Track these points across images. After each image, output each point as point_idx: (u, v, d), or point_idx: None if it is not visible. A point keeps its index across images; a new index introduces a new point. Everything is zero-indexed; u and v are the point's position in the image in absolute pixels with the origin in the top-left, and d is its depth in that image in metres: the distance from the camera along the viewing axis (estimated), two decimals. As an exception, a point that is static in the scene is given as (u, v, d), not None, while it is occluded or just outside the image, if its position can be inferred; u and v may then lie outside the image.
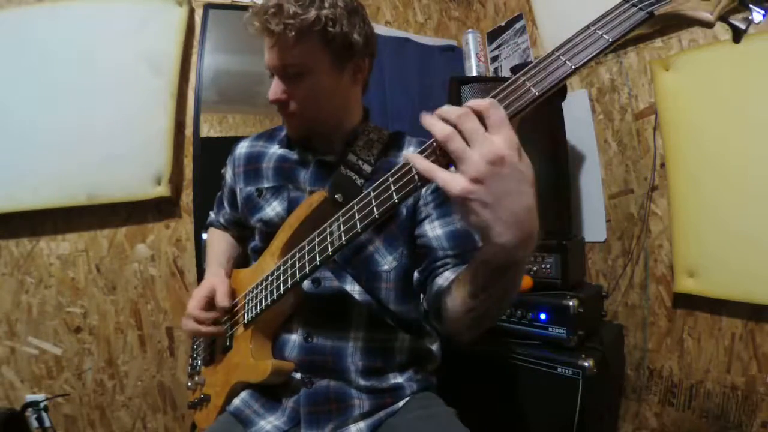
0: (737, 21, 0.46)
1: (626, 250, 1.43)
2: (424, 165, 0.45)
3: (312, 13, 0.67)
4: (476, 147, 0.41)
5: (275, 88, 0.74)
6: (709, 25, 0.45)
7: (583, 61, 0.44)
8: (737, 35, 0.48)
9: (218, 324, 0.80)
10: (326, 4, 0.69)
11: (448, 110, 0.43)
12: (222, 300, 0.78)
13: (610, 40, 0.44)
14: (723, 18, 0.46)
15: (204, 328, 0.78)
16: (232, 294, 0.82)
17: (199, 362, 0.89)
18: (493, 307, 0.57)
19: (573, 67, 0.44)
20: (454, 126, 0.42)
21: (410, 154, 0.47)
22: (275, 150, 0.87)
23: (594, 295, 1.30)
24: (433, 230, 0.75)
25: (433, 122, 0.44)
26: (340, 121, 0.82)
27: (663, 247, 1.34)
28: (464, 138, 0.42)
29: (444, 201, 0.78)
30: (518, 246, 0.43)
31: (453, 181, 0.42)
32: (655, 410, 1.35)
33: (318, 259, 0.62)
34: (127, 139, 1.41)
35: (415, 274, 0.79)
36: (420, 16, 1.90)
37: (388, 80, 1.71)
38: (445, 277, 0.70)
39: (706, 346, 1.24)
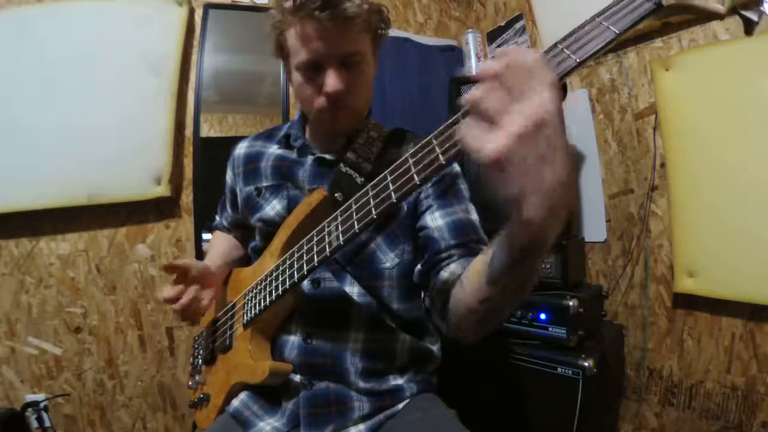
0: (749, 12, 0.45)
1: (626, 250, 1.43)
2: (461, 130, 0.38)
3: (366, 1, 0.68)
4: (521, 102, 0.35)
5: (337, 78, 0.69)
6: (720, 16, 0.43)
7: (589, 54, 0.41)
8: (749, 27, 0.46)
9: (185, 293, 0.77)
10: None
11: (488, 68, 0.36)
12: (179, 261, 0.76)
13: (617, 31, 0.41)
14: (735, 9, 0.44)
15: (177, 302, 0.75)
16: (229, 290, 0.83)
17: (200, 361, 0.89)
18: (508, 298, 0.52)
19: (578, 60, 0.41)
20: (501, 78, 0.36)
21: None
22: (274, 150, 0.87)
23: (594, 295, 1.30)
24: (434, 221, 0.74)
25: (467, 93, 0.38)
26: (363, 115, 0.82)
27: (663, 247, 1.34)
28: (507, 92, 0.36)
29: (445, 192, 0.77)
30: (550, 222, 0.38)
31: (489, 137, 0.35)
32: (655, 410, 1.35)
33: (316, 260, 0.62)
34: (127, 139, 1.41)
35: (417, 267, 0.77)
36: (420, 16, 1.90)
37: (388, 80, 1.70)
38: (450, 271, 0.67)
39: (706, 346, 1.24)
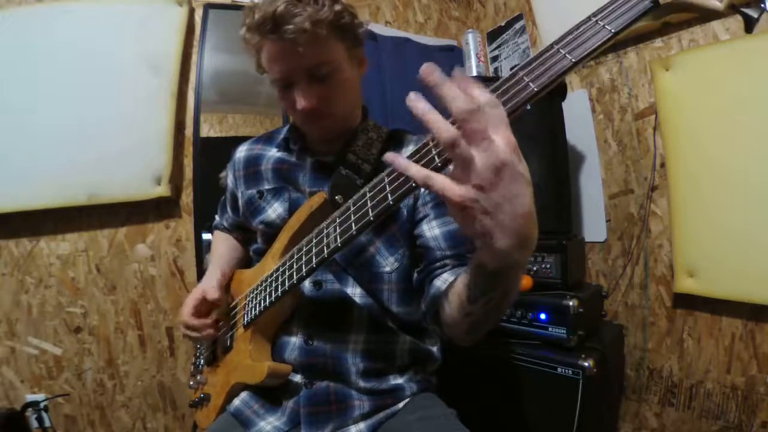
0: (749, 9, 0.43)
1: (626, 250, 1.43)
2: (417, 172, 0.40)
3: (326, 7, 0.67)
4: (480, 151, 0.37)
5: (308, 94, 0.70)
6: (718, 14, 0.43)
7: (584, 54, 0.41)
8: (749, 24, 0.44)
9: (215, 326, 0.80)
10: None
11: (458, 102, 0.37)
12: (212, 294, 0.78)
13: (613, 31, 0.41)
14: (734, 6, 0.43)
15: (199, 334, 0.79)
16: (231, 291, 0.82)
17: (202, 361, 0.90)
18: (492, 311, 0.55)
19: (573, 60, 0.41)
20: (459, 120, 0.37)
21: (401, 162, 0.41)
22: (273, 153, 0.87)
23: (594, 295, 1.30)
24: (431, 230, 0.74)
25: (436, 121, 0.39)
26: (354, 117, 0.82)
27: (663, 247, 1.34)
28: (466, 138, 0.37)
29: (442, 200, 0.77)
30: (517, 250, 0.41)
31: (452, 187, 0.39)
32: (655, 410, 1.35)
33: (314, 261, 0.62)
34: (127, 138, 1.41)
35: (414, 274, 0.78)
36: (420, 16, 1.90)
37: (388, 80, 1.70)
38: (443, 279, 0.69)
39: (706, 346, 1.24)
